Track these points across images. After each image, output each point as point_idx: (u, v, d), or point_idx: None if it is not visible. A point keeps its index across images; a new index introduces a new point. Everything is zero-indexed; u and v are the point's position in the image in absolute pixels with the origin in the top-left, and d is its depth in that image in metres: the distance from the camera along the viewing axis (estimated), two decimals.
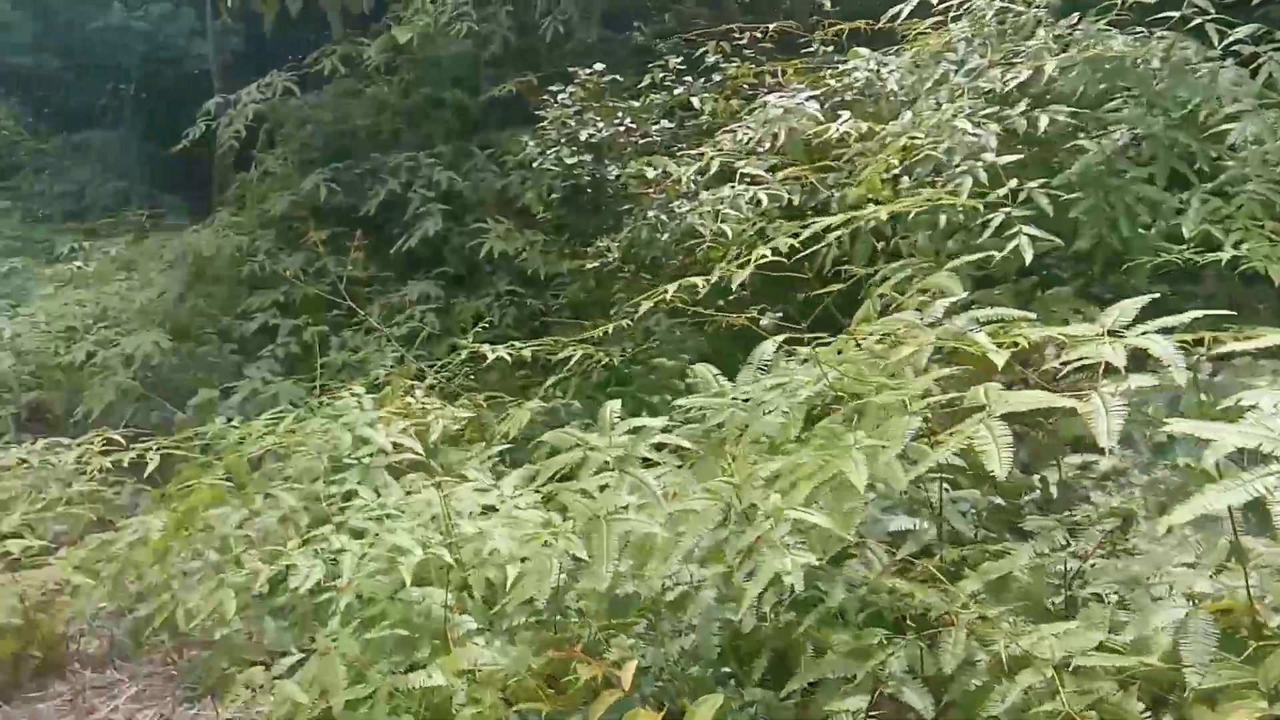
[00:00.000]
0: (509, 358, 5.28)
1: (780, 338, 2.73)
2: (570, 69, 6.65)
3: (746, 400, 2.64)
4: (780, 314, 4.11)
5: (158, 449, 4.75)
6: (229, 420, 6.36)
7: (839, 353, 2.75)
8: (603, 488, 2.71)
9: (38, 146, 18.54)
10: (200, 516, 4.06)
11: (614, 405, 2.80)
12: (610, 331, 4.41)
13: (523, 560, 2.50)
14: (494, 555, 2.68)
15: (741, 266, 3.08)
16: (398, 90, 9.01)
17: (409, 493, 3.92)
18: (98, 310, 8.73)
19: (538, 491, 2.95)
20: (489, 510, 3.36)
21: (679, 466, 2.65)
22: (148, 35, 14.75)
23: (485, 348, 5.11)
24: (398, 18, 8.55)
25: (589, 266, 5.78)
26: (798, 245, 3.26)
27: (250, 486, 4.51)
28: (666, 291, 3.09)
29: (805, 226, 3.30)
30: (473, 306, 7.54)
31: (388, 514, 3.42)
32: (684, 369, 5.87)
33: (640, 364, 5.95)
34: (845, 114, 5.08)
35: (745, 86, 6.10)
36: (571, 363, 4.79)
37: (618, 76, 6.47)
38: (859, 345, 2.70)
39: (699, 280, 3.07)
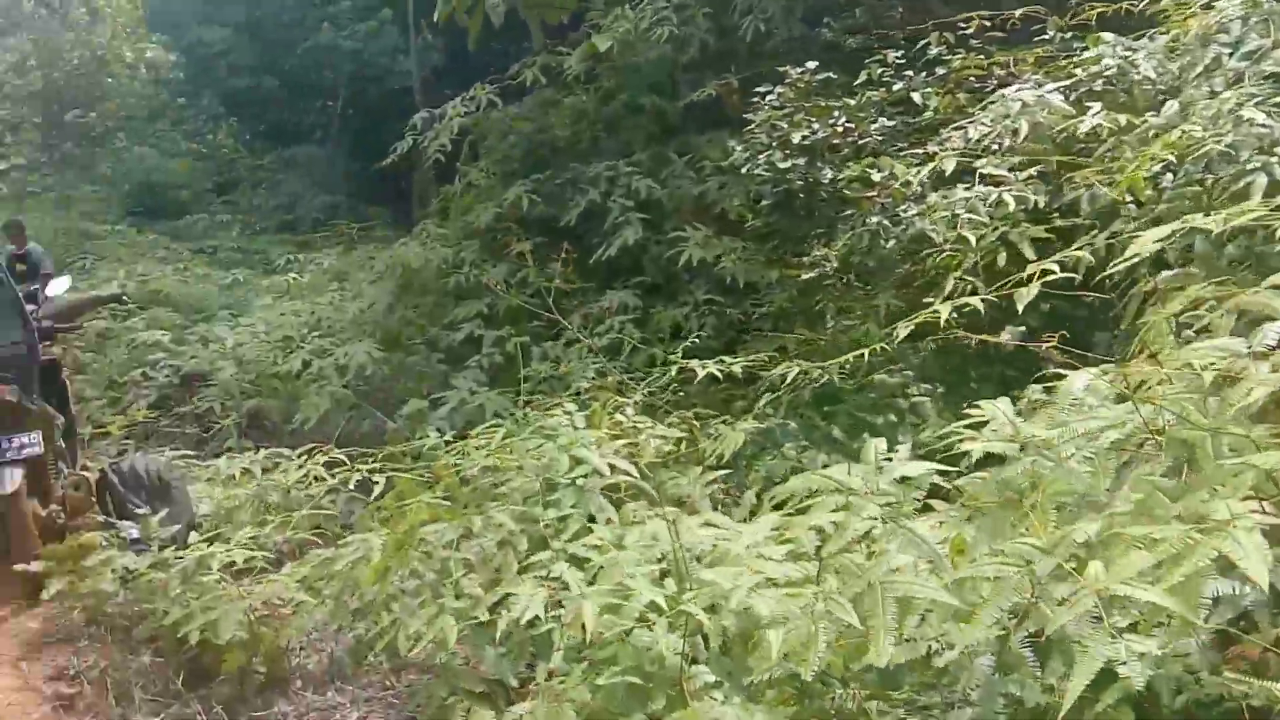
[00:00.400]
0: (720, 373, 5.05)
1: (1092, 371, 2.34)
2: (779, 68, 6.35)
3: (1034, 441, 2.27)
4: (1023, 329, 3.69)
5: (382, 471, 4.75)
6: (439, 432, 6.42)
7: (1140, 386, 2.35)
8: (836, 522, 2.43)
9: (255, 163, 19.77)
10: (418, 533, 4.02)
11: (878, 444, 2.49)
12: (865, 357, 4.05)
13: (783, 623, 2.23)
14: (746, 611, 2.42)
15: (1024, 283, 2.70)
16: (595, 99, 8.97)
17: (630, 522, 3.75)
18: (312, 320, 9.07)
19: (785, 541, 2.67)
20: (718, 544, 3.13)
21: (956, 517, 2.32)
22: (354, 54, 15.41)
23: (694, 363, 4.89)
24: (596, 26, 8.49)
25: (805, 275, 5.46)
26: (1092, 260, 2.85)
27: (464, 502, 4.46)
28: (938, 313, 2.75)
29: (1111, 237, 2.87)
30: (670, 316, 7.37)
31: (618, 544, 3.24)
32: (904, 385, 5.48)
33: (853, 378, 5.60)
34: (1095, 105, 4.58)
35: (972, 79, 5.64)
36: (789, 379, 4.49)
37: (830, 74, 6.13)
38: (1169, 378, 2.29)
39: (975, 300, 2.71)
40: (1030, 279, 2.72)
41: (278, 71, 17.17)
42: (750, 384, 5.70)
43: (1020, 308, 2.74)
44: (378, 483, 4.92)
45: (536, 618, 3.19)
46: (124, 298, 7.98)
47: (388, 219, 17.00)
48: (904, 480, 2.37)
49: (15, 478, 4.34)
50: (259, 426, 8.10)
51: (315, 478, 5.66)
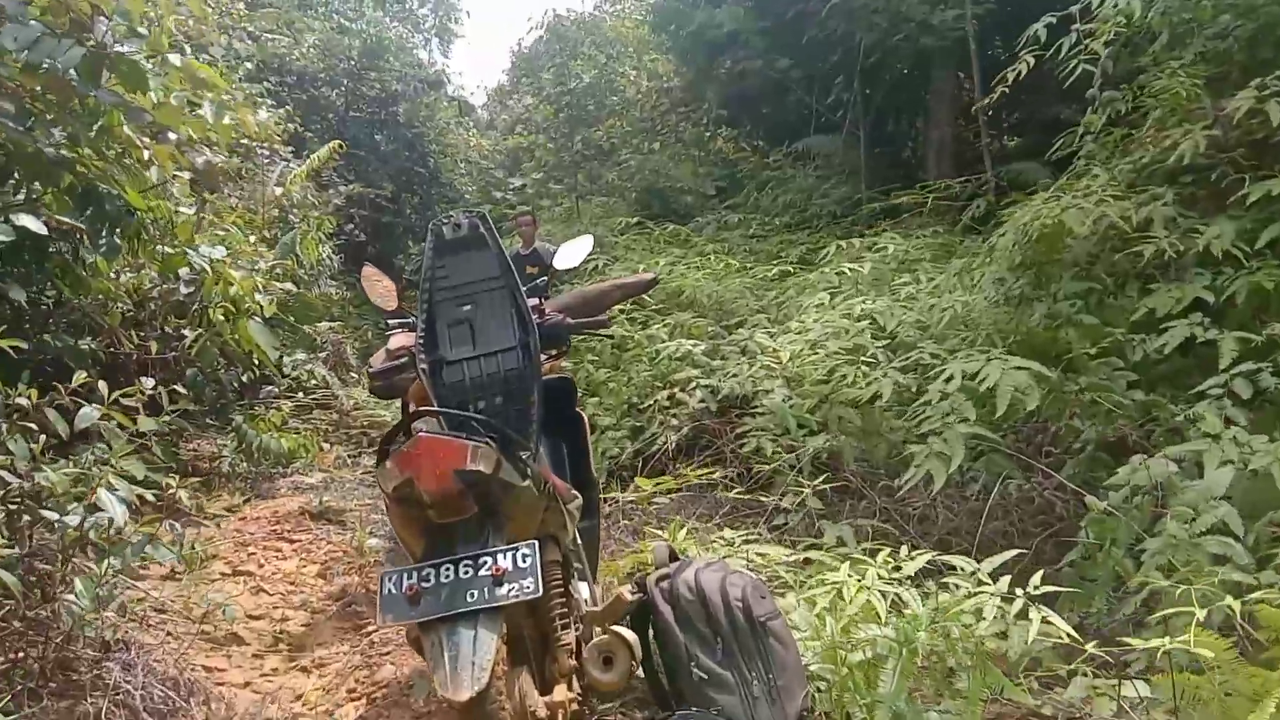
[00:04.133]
0: None
1: None
2: None
3: None
4: None
5: None
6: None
7: None
8: None
9: (760, 161, 17.95)
10: None
11: None
12: None
13: None
14: None
15: None
16: None
17: None
18: (890, 323, 6.34)
19: None
20: None
21: None
22: (886, 9, 12.69)
23: None
24: None
25: None
26: None
27: None
28: None
29: None
30: None
31: None
32: None
33: None
34: None
35: None
36: None
37: None
38: None
39: None
40: None
41: (791, 50, 14.98)
42: None
43: None
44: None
45: None
46: (658, 280, 5.82)
47: (907, 207, 14.32)
48: None
49: (484, 659, 1.92)
50: (830, 472, 5.47)
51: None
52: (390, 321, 4.56)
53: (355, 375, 9.95)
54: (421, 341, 2.98)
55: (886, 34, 12.93)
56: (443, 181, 20.34)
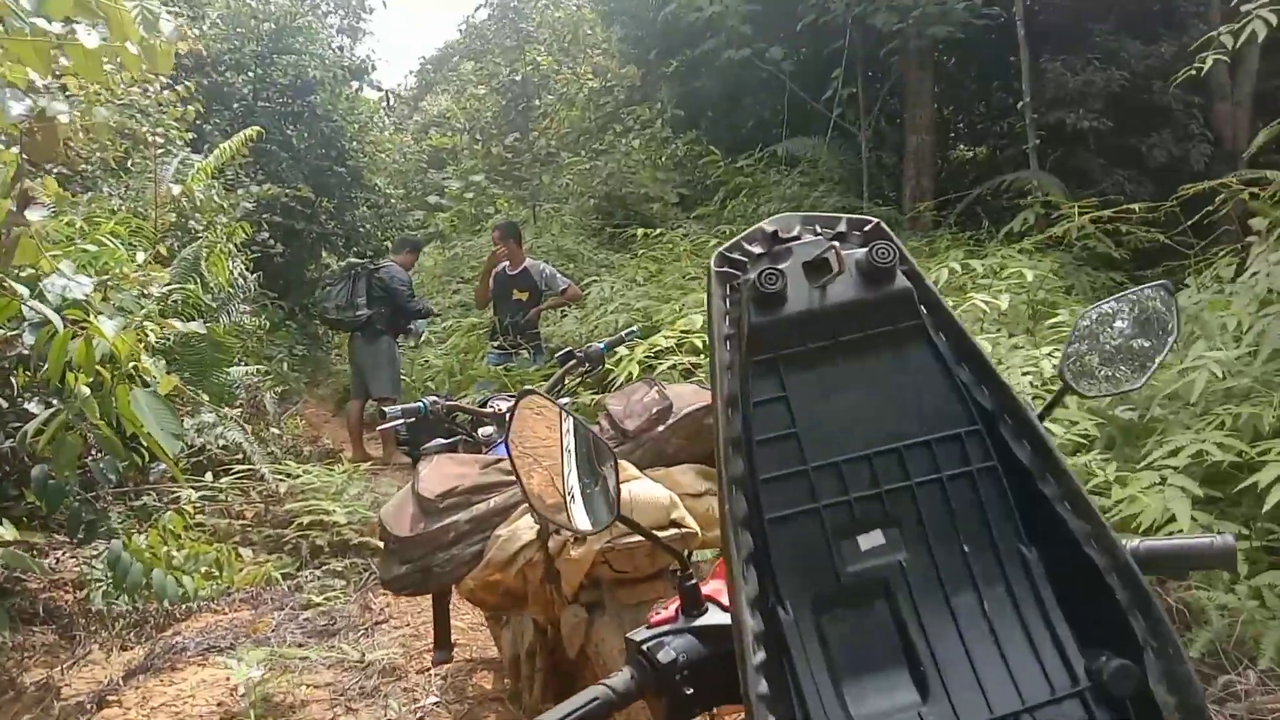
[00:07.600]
0: None
1: None
2: None
3: None
4: None
5: None
6: None
7: None
8: None
9: (731, 165, 16.03)
10: None
11: None
12: None
13: None
14: None
15: None
16: None
17: None
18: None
19: None
20: None
21: None
22: None
23: None
24: None
25: None
26: None
27: None
28: None
29: None
30: None
31: None
32: None
33: None
34: None
35: None
36: None
37: None
38: None
39: None
40: None
41: (783, 38, 13.08)
42: None
43: None
44: None
45: None
46: None
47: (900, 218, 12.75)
48: None
49: None
50: None
51: None
52: (386, 410, 2.36)
53: (276, 431, 7.60)
54: (769, 688, 0.82)
55: (901, 18, 11.07)
56: (364, 183, 17.81)
